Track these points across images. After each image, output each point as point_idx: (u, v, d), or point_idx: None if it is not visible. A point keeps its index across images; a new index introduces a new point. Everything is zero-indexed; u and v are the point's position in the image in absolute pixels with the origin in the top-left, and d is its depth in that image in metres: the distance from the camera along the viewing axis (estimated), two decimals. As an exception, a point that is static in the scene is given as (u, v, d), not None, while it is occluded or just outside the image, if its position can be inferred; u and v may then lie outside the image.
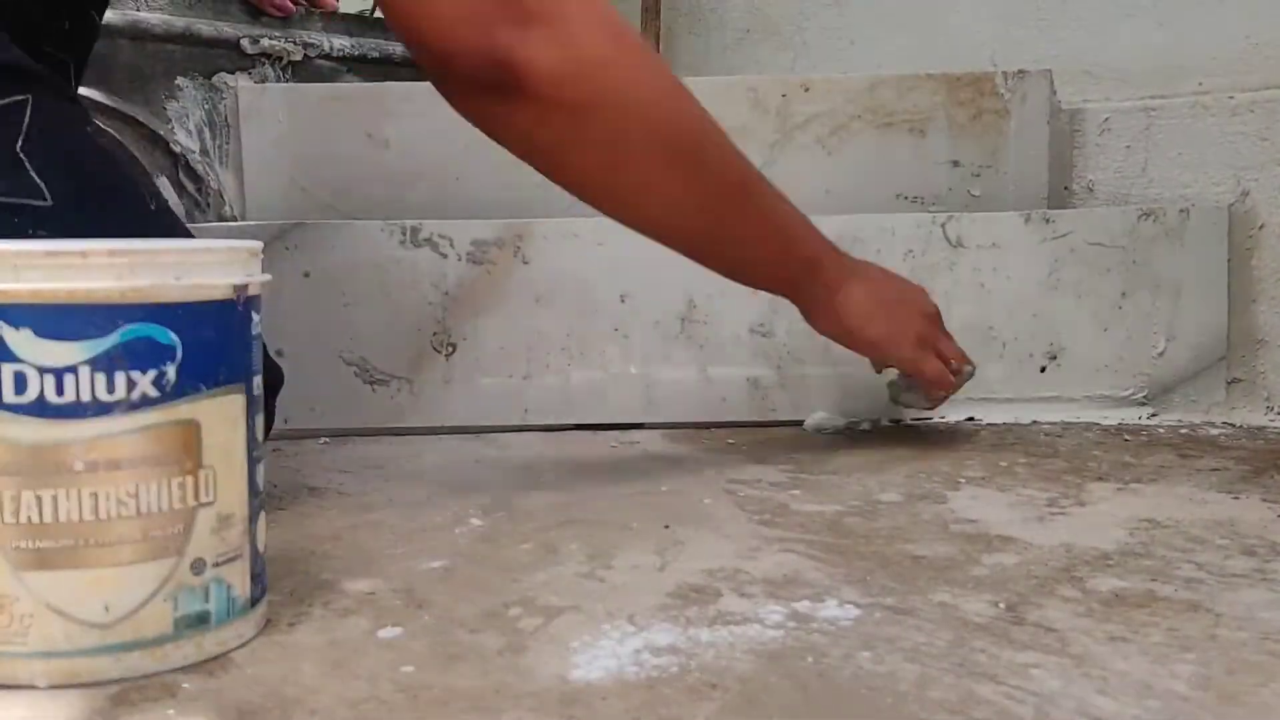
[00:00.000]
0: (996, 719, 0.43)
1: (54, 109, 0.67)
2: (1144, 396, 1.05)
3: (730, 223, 0.75)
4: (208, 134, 1.12)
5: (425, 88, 1.15)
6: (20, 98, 0.66)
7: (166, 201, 0.74)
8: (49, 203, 0.63)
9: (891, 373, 0.92)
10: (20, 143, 0.64)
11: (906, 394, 0.93)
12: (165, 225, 0.71)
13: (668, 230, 0.76)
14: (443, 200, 1.14)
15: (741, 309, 1.03)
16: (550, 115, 0.66)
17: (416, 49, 0.66)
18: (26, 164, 0.64)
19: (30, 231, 0.62)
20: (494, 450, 0.93)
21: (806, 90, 1.15)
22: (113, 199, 0.68)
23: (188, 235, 0.74)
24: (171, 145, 1.08)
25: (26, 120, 0.65)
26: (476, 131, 1.17)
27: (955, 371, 0.89)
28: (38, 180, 0.64)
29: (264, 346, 0.78)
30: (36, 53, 0.71)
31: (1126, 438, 0.95)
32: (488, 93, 0.64)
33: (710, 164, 0.73)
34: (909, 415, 1.00)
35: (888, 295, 0.85)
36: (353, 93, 1.15)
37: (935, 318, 0.89)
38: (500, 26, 0.62)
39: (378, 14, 1.76)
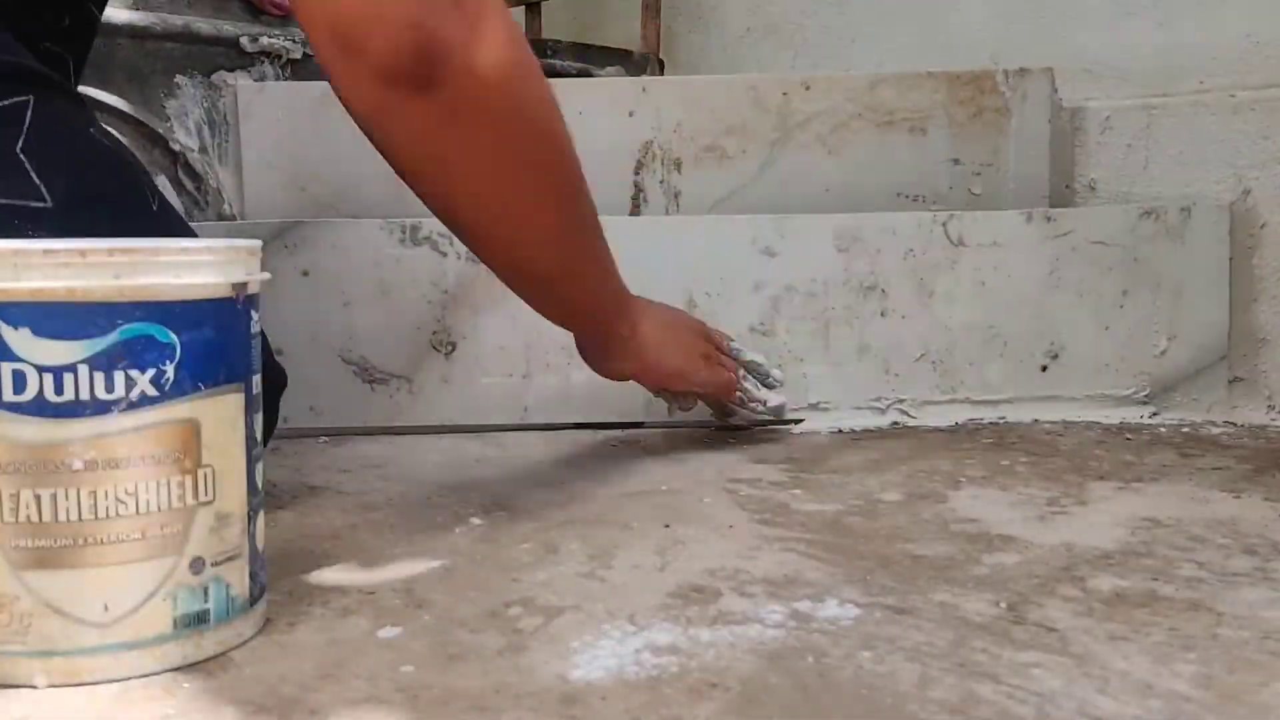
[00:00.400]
0: (997, 719, 0.42)
1: (56, 110, 0.67)
2: (1145, 395, 1.05)
3: (582, 258, 0.75)
4: (207, 132, 1.12)
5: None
6: (21, 99, 0.65)
7: (169, 201, 0.73)
8: (49, 204, 0.63)
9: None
10: (20, 144, 0.64)
11: (728, 415, 0.95)
12: (168, 225, 0.70)
13: (527, 256, 0.73)
14: (443, 199, 1.14)
15: (741, 308, 1.03)
16: (461, 114, 0.62)
17: (329, 27, 0.60)
18: (26, 165, 0.64)
19: (30, 233, 0.61)
20: (494, 449, 0.93)
21: (807, 89, 1.15)
22: (114, 199, 0.68)
23: (191, 235, 0.74)
24: (170, 143, 1.07)
25: (27, 121, 0.65)
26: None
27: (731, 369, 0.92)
28: (37, 181, 0.63)
29: (267, 346, 0.77)
30: (36, 50, 0.70)
31: (1128, 437, 0.95)
32: (399, 82, 0.60)
33: (579, 199, 0.72)
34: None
35: (669, 323, 0.87)
36: (352, 91, 1.14)
37: (704, 330, 0.91)
38: (431, 16, 0.59)
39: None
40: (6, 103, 0.64)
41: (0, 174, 0.63)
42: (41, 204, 0.63)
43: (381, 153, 0.65)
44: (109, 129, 0.72)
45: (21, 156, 0.64)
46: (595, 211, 0.74)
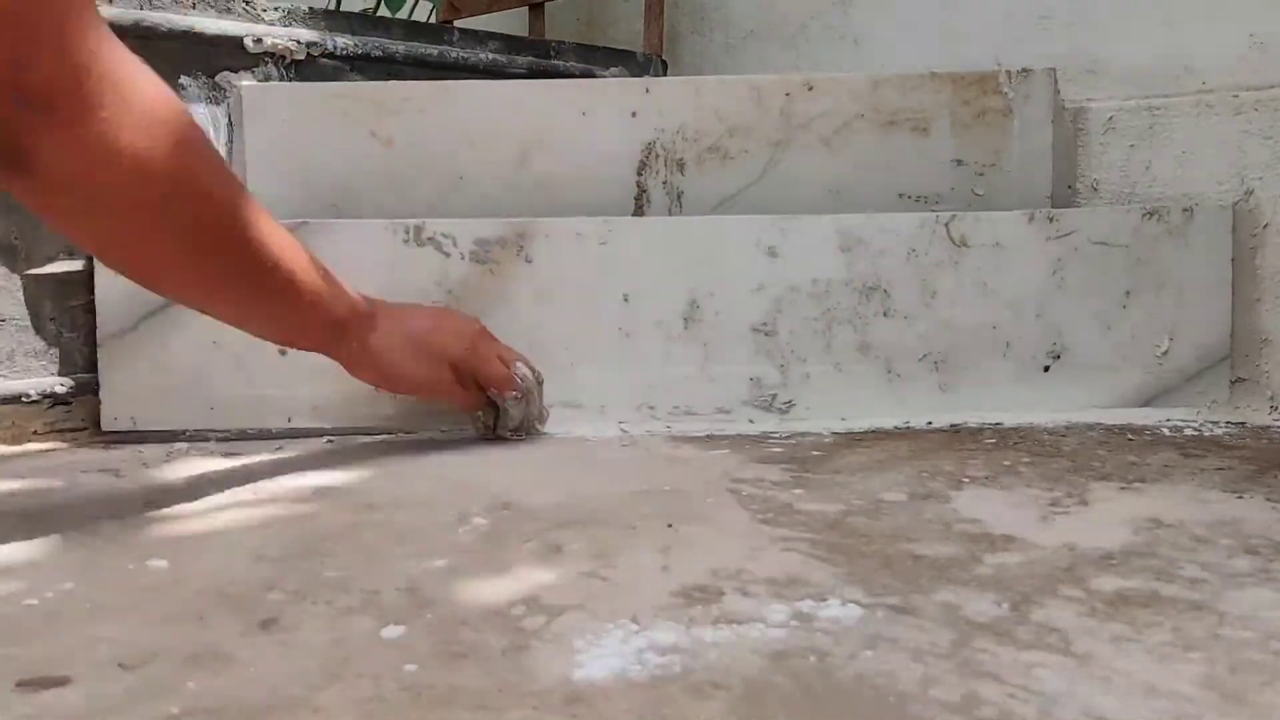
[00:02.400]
0: (1000, 719, 0.43)
1: None
2: (1147, 396, 1.05)
3: (250, 302, 0.76)
4: (211, 132, 1.12)
5: (428, 87, 1.15)
6: None
7: None
8: None
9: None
10: None
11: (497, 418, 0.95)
12: None
13: (186, 302, 0.78)
14: (446, 199, 1.14)
15: (744, 308, 1.03)
16: (56, 199, 0.64)
17: None
18: None
19: None
20: (497, 449, 0.93)
21: (810, 89, 1.15)
22: None
23: None
24: (175, 144, 1.08)
25: None
26: (479, 131, 1.17)
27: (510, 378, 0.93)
28: None
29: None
30: None
31: (1130, 437, 0.95)
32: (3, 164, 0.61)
33: (229, 252, 0.72)
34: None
35: (416, 326, 0.88)
36: (356, 91, 1.15)
37: (476, 337, 0.92)
38: (9, 102, 0.58)
39: (381, 12, 1.76)
40: None
41: None
42: None
43: None
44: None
45: None
46: (264, 256, 0.74)
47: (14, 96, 0.58)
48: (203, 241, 0.70)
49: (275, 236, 0.75)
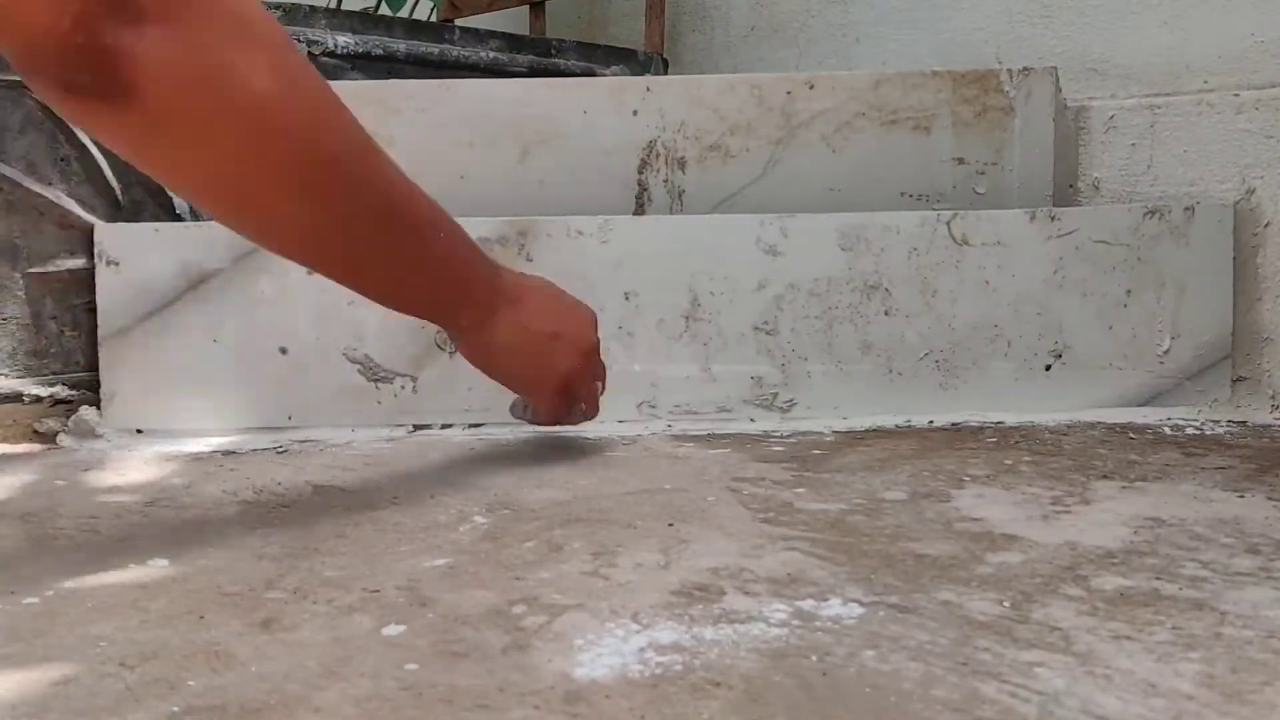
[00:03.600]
0: (1000, 718, 0.42)
1: None
2: (1149, 395, 1.05)
3: (370, 250, 0.69)
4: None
5: (429, 85, 1.15)
6: None
7: None
8: None
9: None
10: None
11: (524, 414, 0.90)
12: None
13: (295, 253, 0.70)
14: (446, 197, 1.13)
15: (745, 307, 1.03)
16: (164, 125, 0.56)
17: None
18: None
19: None
20: (498, 449, 0.93)
21: (811, 88, 1.15)
22: None
23: None
24: (176, 143, 1.08)
25: None
26: (480, 130, 1.17)
27: (584, 413, 0.88)
28: None
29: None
30: None
31: (1131, 436, 0.95)
32: (86, 94, 0.54)
33: (349, 189, 0.65)
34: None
35: (542, 328, 0.81)
36: (356, 90, 1.15)
37: (592, 352, 0.86)
38: (104, 19, 0.51)
39: (382, 10, 1.76)
40: None
41: None
42: None
43: None
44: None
45: None
46: (392, 198, 0.68)
47: (109, 6, 0.52)
48: (318, 171, 0.63)
49: (391, 178, 0.68)
